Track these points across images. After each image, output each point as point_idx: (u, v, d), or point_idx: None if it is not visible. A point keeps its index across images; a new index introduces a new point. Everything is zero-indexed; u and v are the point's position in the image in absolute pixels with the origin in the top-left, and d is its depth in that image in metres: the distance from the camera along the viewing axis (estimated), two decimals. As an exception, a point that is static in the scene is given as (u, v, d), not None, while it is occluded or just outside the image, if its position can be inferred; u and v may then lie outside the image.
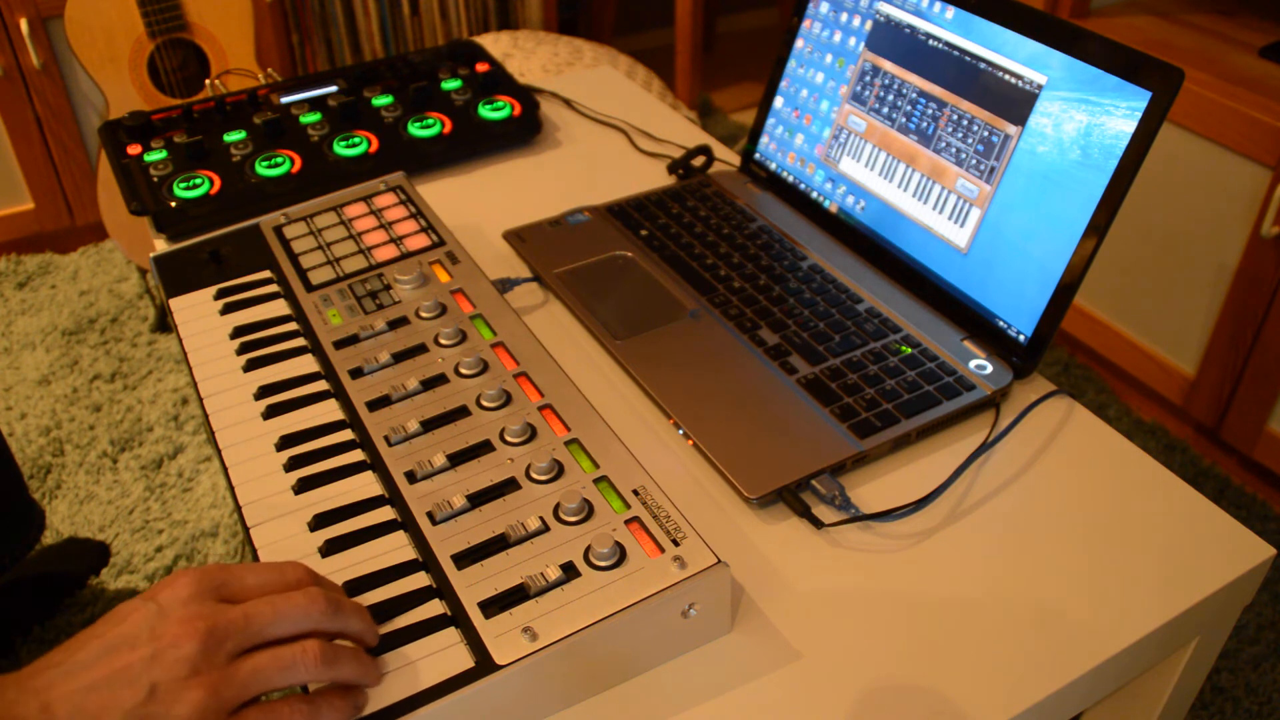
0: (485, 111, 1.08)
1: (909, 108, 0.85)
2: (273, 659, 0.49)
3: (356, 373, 0.72)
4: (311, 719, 0.49)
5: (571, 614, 0.54)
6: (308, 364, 0.74)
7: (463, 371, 0.71)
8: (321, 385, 0.72)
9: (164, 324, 1.99)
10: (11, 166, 2.08)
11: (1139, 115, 0.70)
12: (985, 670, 0.59)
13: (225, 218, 0.94)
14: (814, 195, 0.94)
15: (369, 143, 1.02)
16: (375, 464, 0.65)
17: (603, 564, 0.57)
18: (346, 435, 0.68)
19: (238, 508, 0.63)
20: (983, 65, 0.79)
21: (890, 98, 0.86)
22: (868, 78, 0.88)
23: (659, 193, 0.99)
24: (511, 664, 0.52)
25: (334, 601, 0.52)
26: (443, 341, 0.73)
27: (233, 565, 0.52)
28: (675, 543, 0.58)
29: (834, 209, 0.92)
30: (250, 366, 0.74)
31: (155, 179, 0.96)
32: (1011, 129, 0.77)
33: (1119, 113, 0.71)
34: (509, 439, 0.65)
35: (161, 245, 0.92)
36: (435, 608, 0.56)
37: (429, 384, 0.70)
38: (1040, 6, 1.59)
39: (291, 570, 0.54)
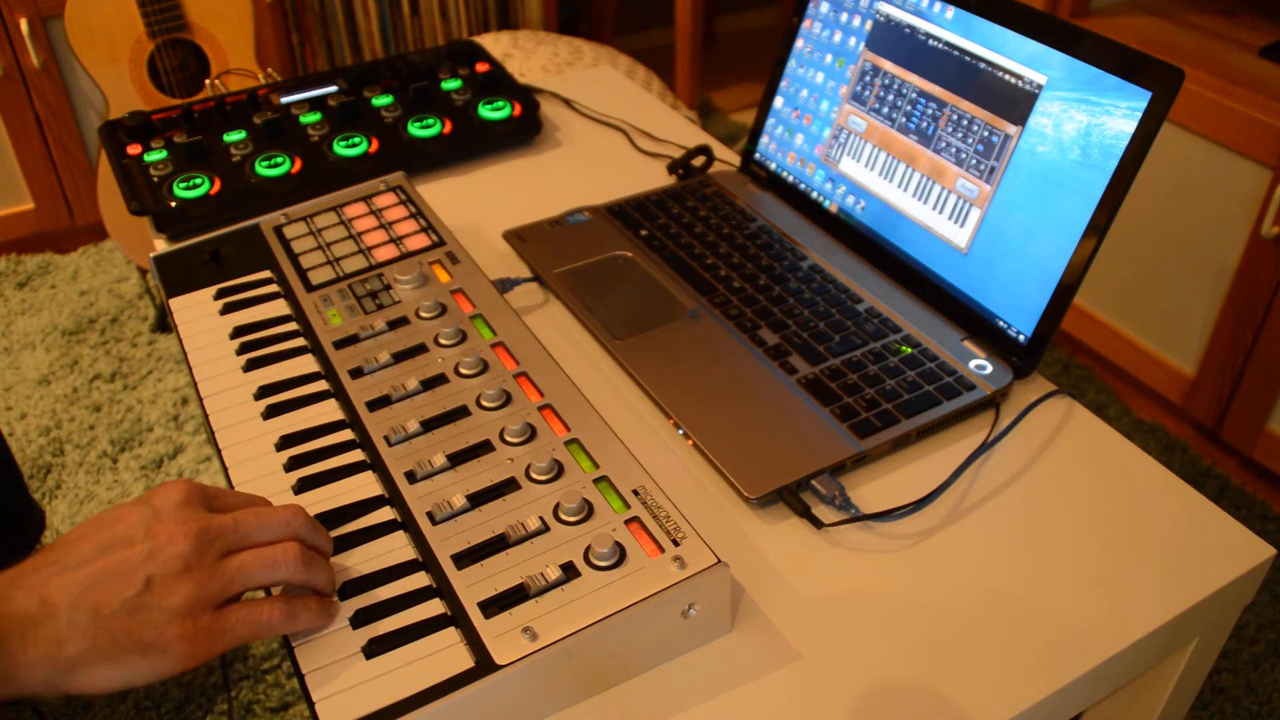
0: (485, 111, 1.08)
1: (909, 108, 0.85)
2: (257, 556, 0.53)
3: (356, 373, 0.72)
4: (289, 617, 0.53)
5: (571, 614, 0.54)
6: (308, 364, 0.74)
7: (463, 371, 0.71)
8: (321, 385, 0.72)
9: (164, 324, 1.99)
10: (11, 166, 2.08)
11: (1139, 115, 0.70)
12: (985, 670, 0.59)
13: (225, 218, 0.94)
14: (814, 195, 0.94)
15: (369, 143, 1.02)
16: (375, 464, 0.65)
17: (603, 564, 0.57)
18: (346, 435, 0.68)
19: (238, 508, 0.64)
20: (983, 65, 0.79)
21: (890, 98, 0.86)
22: (868, 78, 0.88)
23: (659, 193, 0.99)
24: (511, 664, 0.52)
25: (311, 520, 0.57)
26: (443, 341, 0.73)
27: (216, 486, 0.57)
28: (675, 543, 0.58)
29: (834, 209, 0.92)
30: (250, 366, 0.74)
31: (155, 179, 0.96)
32: (1011, 129, 0.77)
33: (1119, 113, 0.71)
34: (509, 439, 0.65)
35: (161, 245, 0.92)
36: (435, 608, 0.56)
37: (429, 384, 0.70)
38: (1040, 6, 1.59)
39: (266, 501, 0.59)
